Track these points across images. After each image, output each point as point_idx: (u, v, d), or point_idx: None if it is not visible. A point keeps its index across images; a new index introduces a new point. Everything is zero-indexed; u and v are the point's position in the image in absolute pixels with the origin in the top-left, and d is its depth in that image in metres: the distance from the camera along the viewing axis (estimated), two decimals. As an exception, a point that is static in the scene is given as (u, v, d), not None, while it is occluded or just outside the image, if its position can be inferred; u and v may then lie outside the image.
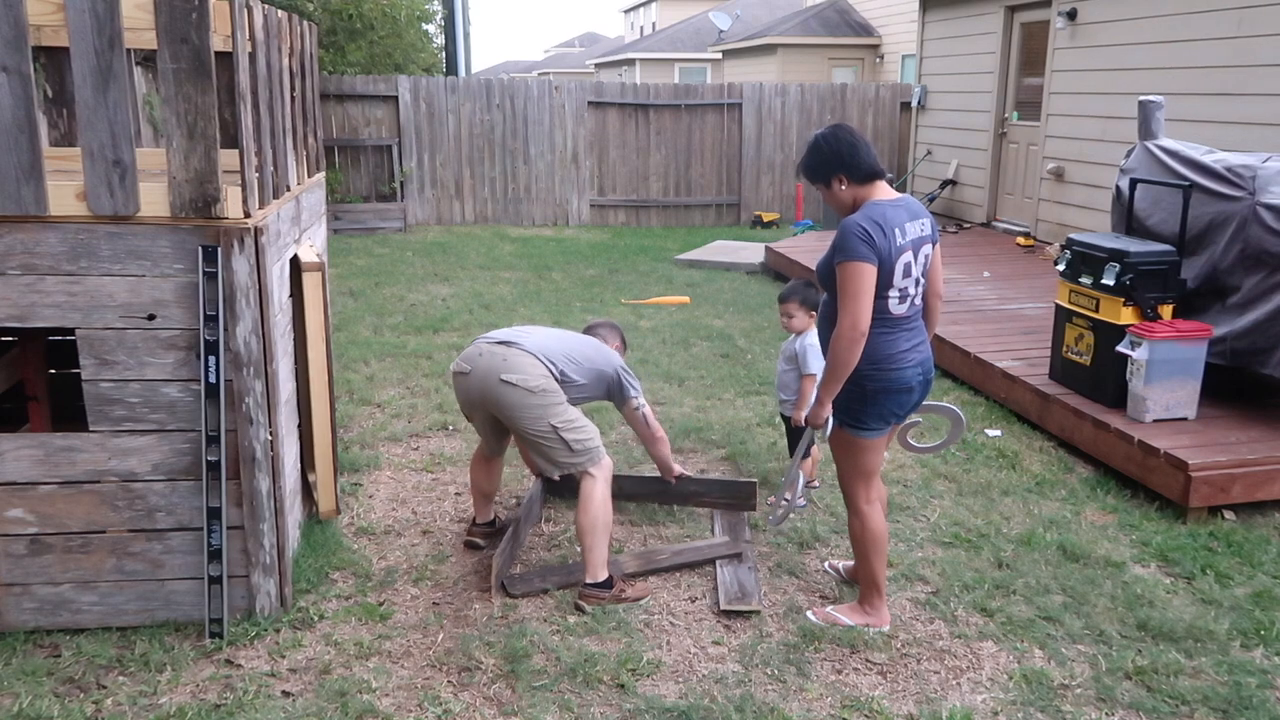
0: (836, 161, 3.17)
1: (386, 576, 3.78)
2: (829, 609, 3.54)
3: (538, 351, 3.62)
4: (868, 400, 3.23)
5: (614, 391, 3.87)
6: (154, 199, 3.06)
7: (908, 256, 3.13)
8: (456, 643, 3.32)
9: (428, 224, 13.05)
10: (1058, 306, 5.36)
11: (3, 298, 3.07)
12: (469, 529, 4.07)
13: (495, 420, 3.72)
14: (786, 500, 3.71)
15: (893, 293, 3.14)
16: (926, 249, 3.23)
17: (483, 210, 13.29)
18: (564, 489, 4.27)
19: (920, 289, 3.25)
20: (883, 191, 3.20)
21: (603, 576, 3.53)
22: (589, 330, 4.17)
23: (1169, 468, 4.34)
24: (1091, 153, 8.91)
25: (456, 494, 4.54)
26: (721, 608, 3.55)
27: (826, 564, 3.90)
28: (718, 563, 3.87)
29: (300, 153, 4.14)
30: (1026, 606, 3.59)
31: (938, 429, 5.15)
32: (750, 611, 3.53)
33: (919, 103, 12.34)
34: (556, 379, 3.59)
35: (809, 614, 3.52)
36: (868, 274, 3.03)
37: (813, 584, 3.75)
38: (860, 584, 3.53)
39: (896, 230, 3.10)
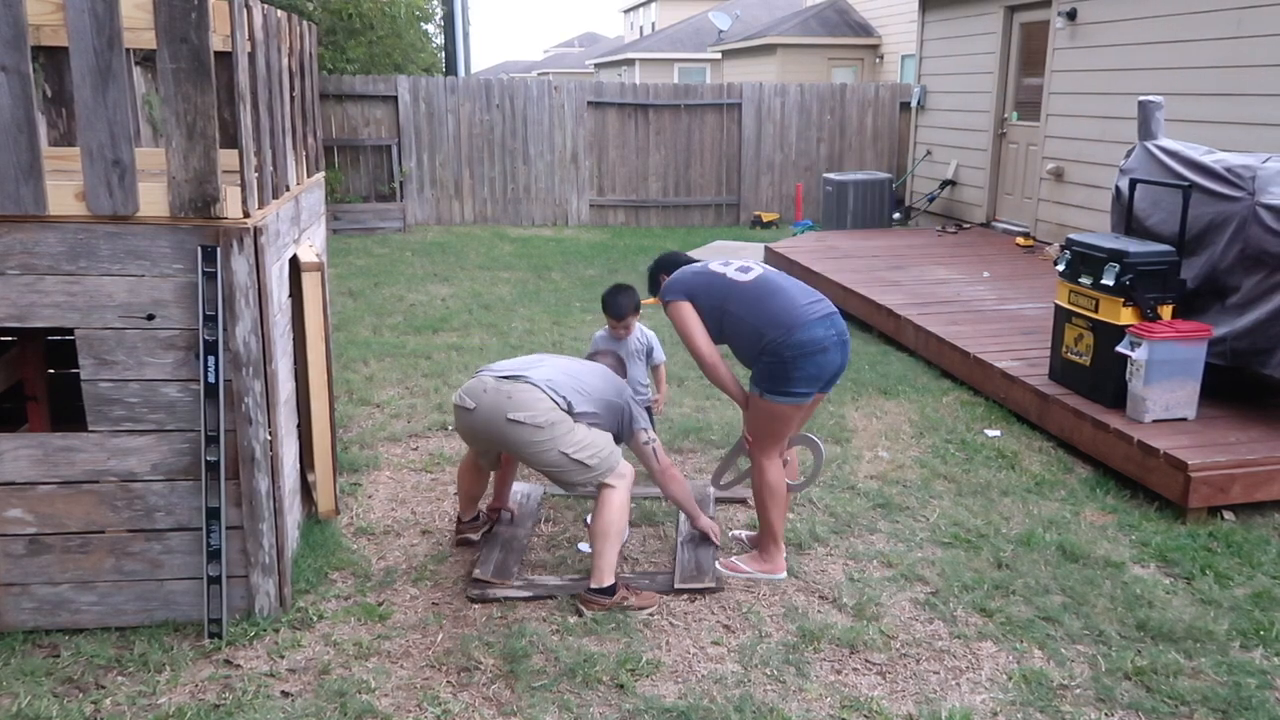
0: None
1: (386, 577, 3.78)
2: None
3: (543, 383, 3.48)
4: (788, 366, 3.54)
5: (624, 424, 3.72)
6: (153, 199, 3.06)
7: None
8: (456, 643, 3.32)
9: (427, 224, 13.05)
10: (1057, 307, 5.36)
11: (2, 298, 3.06)
12: (458, 527, 4.07)
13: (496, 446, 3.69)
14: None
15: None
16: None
17: (482, 210, 13.29)
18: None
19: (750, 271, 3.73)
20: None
21: (607, 582, 3.51)
22: (591, 358, 4.05)
23: (1168, 468, 4.34)
24: (1091, 153, 8.91)
25: (456, 494, 4.53)
26: (675, 586, 3.66)
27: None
28: (679, 543, 3.98)
29: (300, 153, 4.14)
30: (1026, 607, 3.59)
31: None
32: (704, 589, 3.64)
33: (918, 103, 12.34)
34: (564, 410, 3.49)
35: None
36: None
37: (812, 584, 3.75)
38: (760, 533, 3.84)
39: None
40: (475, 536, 4.02)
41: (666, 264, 3.99)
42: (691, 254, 12.00)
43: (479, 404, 3.52)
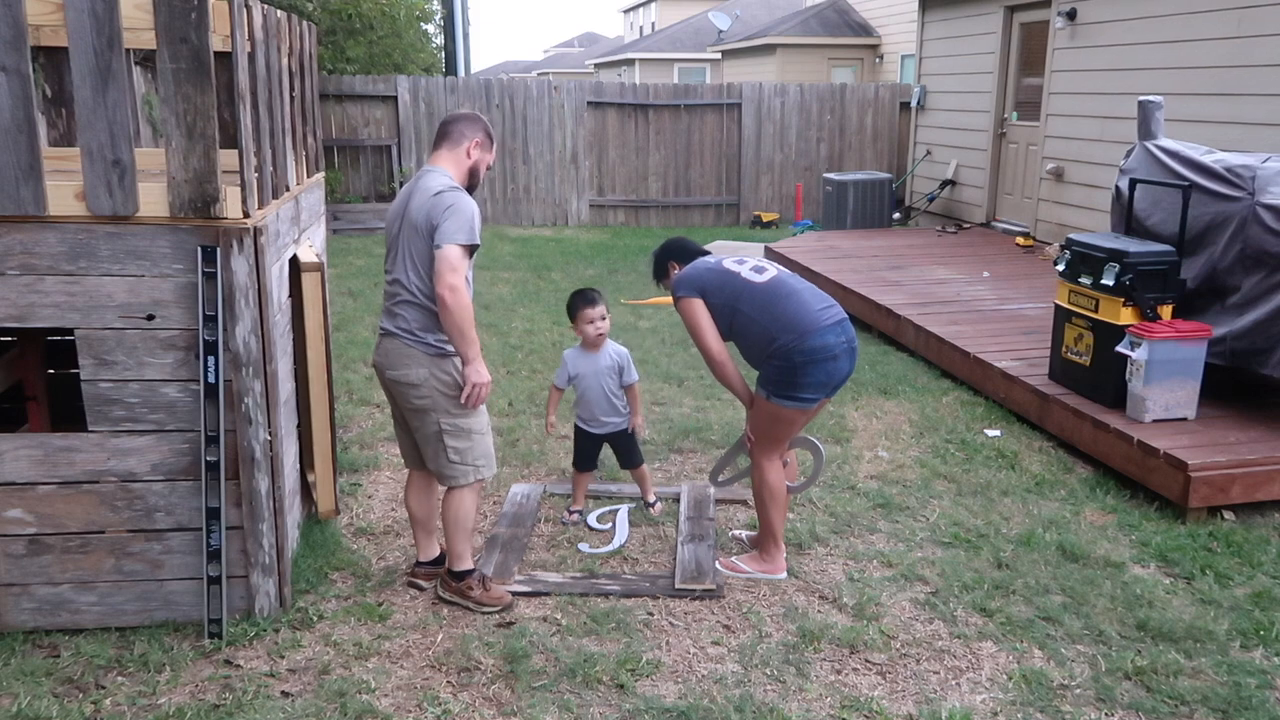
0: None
1: (386, 577, 3.78)
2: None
3: (409, 335, 3.30)
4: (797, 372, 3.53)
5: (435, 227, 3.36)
6: (153, 199, 3.06)
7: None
8: (455, 643, 3.32)
9: (427, 224, 13.03)
10: (1057, 307, 5.36)
11: (2, 298, 3.06)
12: (411, 570, 3.73)
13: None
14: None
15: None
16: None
17: (481, 210, 13.25)
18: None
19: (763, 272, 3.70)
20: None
21: (460, 567, 3.52)
22: (445, 133, 3.58)
23: (1168, 468, 4.34)
24: (1091, 153, 8.92)
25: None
26: (676, 586, 3.67)
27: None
28: (679, 542, 3.99)
29: (299, 153, 4.14)
30: (1026, 607, 3.59)
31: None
32: (705, 591, 3.65)
33: (918, 103, 12.34)
34: (437, 353, 3.31)
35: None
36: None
37: (812, 584, 3.75)
38: (760, 533, 3.86)
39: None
40: (425, 584, 3.65)
41: (675, 251, 3.90)
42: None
43: (375, 363, 3.47)
